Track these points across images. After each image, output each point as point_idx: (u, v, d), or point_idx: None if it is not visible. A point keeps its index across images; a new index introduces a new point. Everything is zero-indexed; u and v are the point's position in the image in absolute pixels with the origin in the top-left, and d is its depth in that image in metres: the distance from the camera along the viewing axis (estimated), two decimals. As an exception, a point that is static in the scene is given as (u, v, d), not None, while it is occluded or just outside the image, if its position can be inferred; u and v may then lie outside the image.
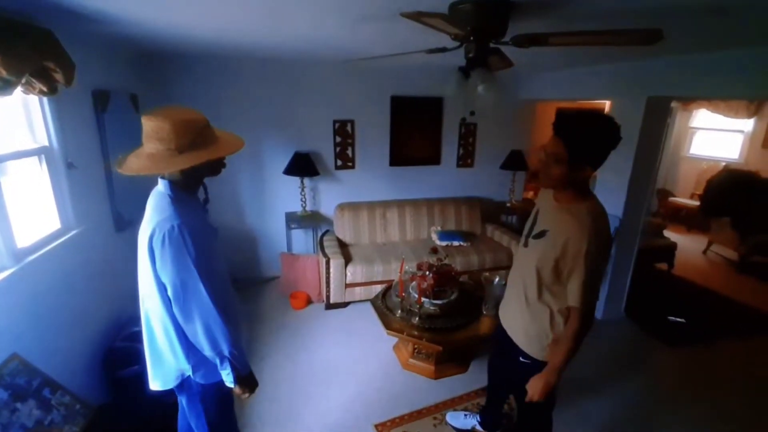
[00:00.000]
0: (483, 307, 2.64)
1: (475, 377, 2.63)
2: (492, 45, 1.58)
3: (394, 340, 2.87)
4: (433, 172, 4.27)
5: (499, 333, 1.69)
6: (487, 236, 4.18)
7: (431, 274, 2.56)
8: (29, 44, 1.48)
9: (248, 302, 3.53)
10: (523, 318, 1.52)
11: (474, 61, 1.55)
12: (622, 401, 2.44)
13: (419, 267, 2.69)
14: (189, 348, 1.27)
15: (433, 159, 4.23)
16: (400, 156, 4.08)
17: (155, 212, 1.18)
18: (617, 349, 2.99)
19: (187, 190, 1.26)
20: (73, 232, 2.01)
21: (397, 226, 3.98)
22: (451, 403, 2.40)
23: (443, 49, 1.64)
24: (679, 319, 3.30)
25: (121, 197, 2.53)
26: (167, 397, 1.52)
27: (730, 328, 3.30)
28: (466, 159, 4.34)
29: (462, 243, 3.82)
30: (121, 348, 2.15)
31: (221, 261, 1.37)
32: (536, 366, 1.49)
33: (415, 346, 2.65)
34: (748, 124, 5.55)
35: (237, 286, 3.77)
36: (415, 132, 4.07)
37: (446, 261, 2.78)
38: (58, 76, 1.68)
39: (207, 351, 1.23)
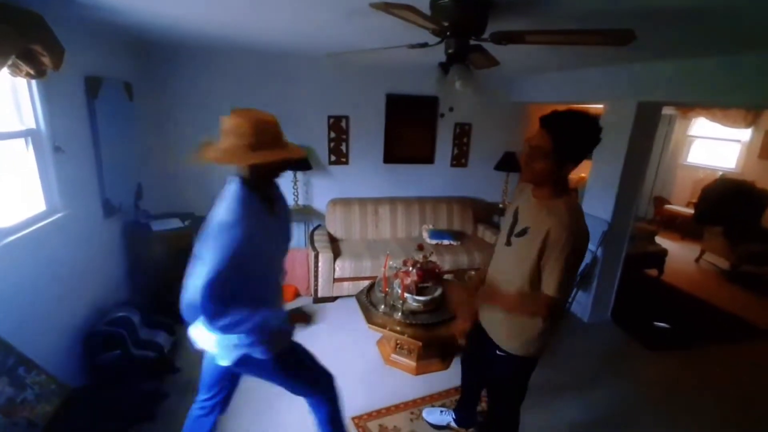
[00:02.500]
0: (466, 304, 2.65)
1: (455, 374, 2.63)
2: (472, 42, 1.60)
3: (378, 335, 2.89)
4: (426, 171, 4.29)
5: (475, 328, 1.70)
6: (478, 236, 4.20)
7: (415, 271, 2.58)
8: (14, 26, 1.50)
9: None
10: (503, 313, 1.53)
11: (453, 58, 1.57)
12: (601, 403, 2.45)
13: (404, 263, 2.71)
14: (255, 333, 1.35)
15: (427, 158, 4.25)
16: (394, 153, 4.10)
17: (223, 204, 1.27)
18: (600, 352, 3.00)
19: (254, 190, 1.33)
20: (58, 215, 2.03)
21: (389, 223, 4.00)
22: (430, 399, 2.42)
23: (424, 45, 1.66)
24: (664, 325, 3.31)
25: (111, 184, 2.55)
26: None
27: (713, 335, 3.32)
28: (460, 159, 4.36)
29: (452, 242, 3.84)
30: (102, 332, 2.17)
31: (272, 258, 1.47)
32: (512, 360, 1.53)
33: (397, 342, 2.67)
34: (745, 134, 5.56)
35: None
36: (409, 130, 4.09)
37: (431, 258, 2.79)
38: (46, 60, 1.70)
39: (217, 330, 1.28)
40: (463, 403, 2.16)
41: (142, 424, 2.08)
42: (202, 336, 1.43)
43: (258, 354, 1.40)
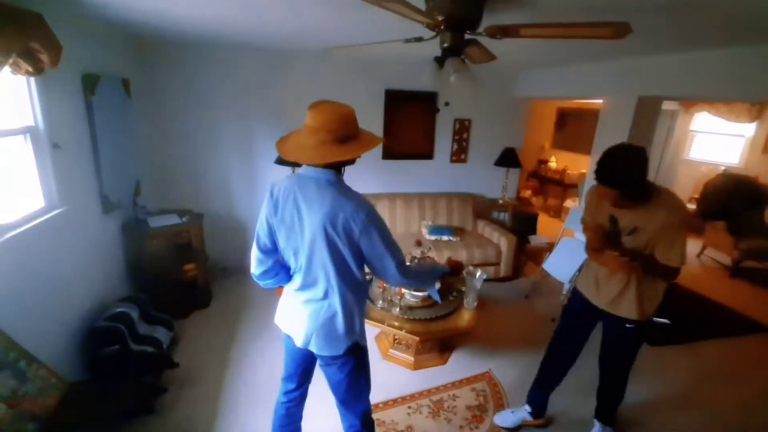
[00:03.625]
0: (464, 300, 2.65)
1: (453, 369, 2.65)
2: (468, 36, 1.59)
3: (376, 330, 2.90)
4: (425, 167, 4.28)
5: (584, 316, 1.94)
6: (478, 232, 4.19)
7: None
8: (16, 26, 1.51)
9: (235, 290, 3.58)
10: (631, 289, 1.73)
11: (449, 52, 1.56)
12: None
13: (402, 259, 2.70)
14: (362, 320, 1.48)
15: (427, 153, 4.24)
16: (393, 149, 4.09)
17: (339, 197, 1.29)
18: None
19: (341, 177, 1.38)
20: (57, 211, 2.04)
21: (388, 219, 3.99)
22: (428, 393, 2.43)
23: (420, 39, 1.65)
24: (664, 321, 3.30)
25: (109, 180, 2.56)
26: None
27: (713, 331, 3.31)
28: (459, 154, 4.35)
29: (451, 238, 3.84)
30: (101, 328, 2.19)
31: None
32: (641, 327, 1.78)
33: (395, 337, 2.68)
34: (749, 129, 5.50)
35: (226, 273, 3.82)
36: (408, 126, 4.08)
37: (429, 254, 2.79)
38: (44, 57, 1.72)
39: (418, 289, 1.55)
40: (547, 389, 2.17)
41: (141, 418, 2.11)
42: (324, 327, 1.42)
43: (362, 341, 1.48)
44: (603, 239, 1.69)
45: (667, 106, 5.52)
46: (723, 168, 5.64)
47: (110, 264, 2.68)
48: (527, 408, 2.19)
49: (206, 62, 3.35)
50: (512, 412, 2.23)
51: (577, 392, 2.37)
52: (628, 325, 1.79)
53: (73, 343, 2.12)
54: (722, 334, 3.27)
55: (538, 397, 2.18)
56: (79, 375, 2.09)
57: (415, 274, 1.45)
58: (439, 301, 2.30)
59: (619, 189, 1.52)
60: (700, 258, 4.97)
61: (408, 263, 1.45)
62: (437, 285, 2.11)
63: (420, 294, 2.59)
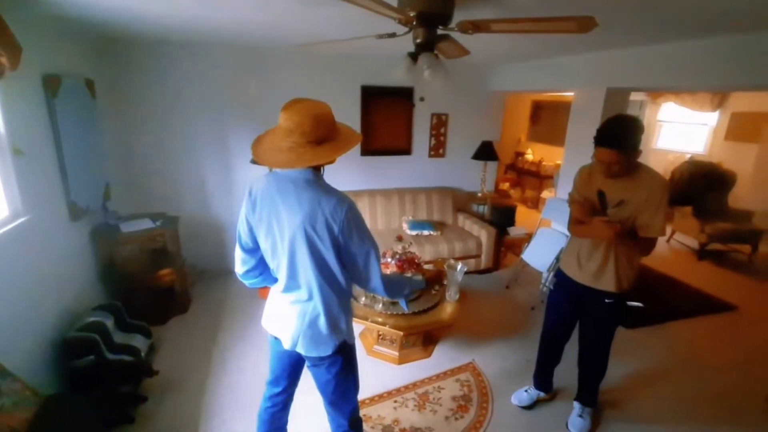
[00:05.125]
0: (446, 293, 2.69)
1: (437, 362, 2.69)
2: (440, 31, 1.60)
3: (361, 327, 2.90)
4: (404, 162, 4.30)
5: (570, 295, 2.03)
6: (458, 225, 4.24)
7: (394, 262, 2.59)
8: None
9: (215, 293, 3.51)
10: (609, 265, 1.84)
11: (422, 47, 1.57)
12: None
13: (384, 254, 2.71)
14: (348, 318, 1.44)
15: (405, 149, 4.25)
16: (372, 145, 4.09)
17: (318, 196, 1.26)
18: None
19: (320, 175, 1.36)
20: (22, 220, 1.95)
21: (368, 215, 3.99)
22: (413, 387, 2.46)
23: (393, 35, 1.65)
24: (637, 304, 3.43)
25: (77, 186, 2.46)
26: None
27: (684, 311, 3.46)
28: (437, 149, 4.38)
29: (432, 232, 3.87)
30: (76, 338, 2.11)
31: None
32: (620, 299, 1.89)
33: (379, 333, 2.69)
34: (712, 118, 5.74)
35: (205, 276, 3.75)
36: (386, 122, 4.08)
37: (411, 249, 2.81)
38: (3, 60, 1.64)
39: (390, 297, 1.52)
40: (549, 368, 2.29)
41: (121, 428, 2.05)
42: (303, 326, 1.39)
43: (350, 340, 1.47)
44: (589, 211, 1.80)
45: (635, 96, 5.71)
46: (689, 156, 5.87)
47: (81, 272, 2.58)
48: (537, 391, 2.32)
49: (175, 60, 3.25)
50: (526, 390, 2.35)
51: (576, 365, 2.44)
52: (607, 300, 1.90)
53: (46, 356, 2.04)
54: (691, 314, 3.43)
55: (543, 378, 2.31)
56: (55, 388, 2.02)
57: (389, 280, 1.44)
58: (407, 311, 2.43)
59: (618, 149, 1.62)
60: (670, 242, 5.19)
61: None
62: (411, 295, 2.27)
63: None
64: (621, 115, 1.67)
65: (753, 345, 3.01)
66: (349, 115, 3.89)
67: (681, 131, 6.24)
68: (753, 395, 2.44)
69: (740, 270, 4.44)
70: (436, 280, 1.68)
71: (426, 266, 2.97)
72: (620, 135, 1.64)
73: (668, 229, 5.20)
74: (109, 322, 2.33)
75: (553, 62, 3.46)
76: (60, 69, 2.36)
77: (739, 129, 5.28)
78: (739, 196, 5.06)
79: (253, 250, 1.43)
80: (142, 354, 2.35)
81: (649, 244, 1.78)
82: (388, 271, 2.57)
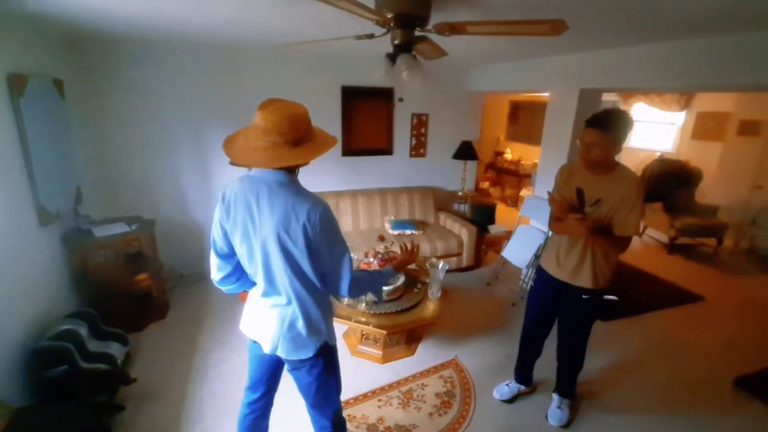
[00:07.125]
0: (428, 291, 2.71)
1: (421, 359, 2.71)
2: (418, 33, 1.62)
3: (344, 327, 2.90)
4: (386, 162, 4.31)
5: (549, 291, 2.07)
6: (440, 224, 4.29)
7: (376, 261, 2.60)
8: None
9: (195, 297, 3.44)
10: (586, 262, 1.89)
11: (400, 48, 1.58)
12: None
13: (366, 254, 2.72)
14: (328, 320, 1.43)
15: (386, 149, 4.27)
16: (353, 146, 4.09)
17: (292, 200, 1.24)
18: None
19: (295, 178, 1.33)
20: (-14, 226, 1.87)
21: (350, 216, 3.99)
22: (397, 385, 2.47)
23: (371, 36, 1.66)
24: (612, 298, 3.55)
25: (46, 190, 2.37)
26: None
27: (656, 303, 3.61)
28: (418, 149, 4.42)
29: (414, 231, 3.90)
30: (47, 348, 2.03)
31: None
32: (598, 295, 1.95)
33: (363, 333, 2.69)
34: (679, 117, 5.99)
35: (184, 281, 3.66)
36: (367, 122, 4.08)
37: (392, 248, 2.83)
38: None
39: (352, 297, 1.53)
40: (530, 362, 2.35)
41: (97, 439, 1.99)
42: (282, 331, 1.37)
43: (330, 340, 1.45)
44: (567, 209, 1.83)
45: (608, 97, 5.89)
46: (659, 154, 6.11)
47: (52, 279, 2.48)
48: (518, 385, 2.38)
49: (150, 59, 3.17)
50: (507, 384, 2.39)
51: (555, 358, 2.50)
52: (584, 296, 1.96)
53: (16, 367, 1.95)
54: (663, 305, 3.58)
55: (524, 372, 2.37)
56: (26, 400, 1.94)
57: (356, 278, 1.39)
58: (379, 300, 2.52)
59: (602, 130, 1.68)
60: (642, 237, 5.38)
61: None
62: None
63: (386, 288, 2.61)
64: (616, 107, 1.70)
65: (721, 333, 3.16)
66: (329, 115, 3.88)
67: (651, 130, 6.48)
68: (722, 380, 2.57)
69: (707, 262, 4.66)
70: (403, 265, 1.66)
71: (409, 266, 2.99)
72: (607, 119, 1.70)
73: (640, 225, 5.41)
74: (83, 330, 2.25)
75: (530, 63, 3.55)
76: (26, 68, 2.26)
77: (704, 128, 5.52)
78: (705, 192, 5.30)
79: (229, 255, 1.40)
80: (119, 362, 2.29)
81: (624, 242, 1.82)
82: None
